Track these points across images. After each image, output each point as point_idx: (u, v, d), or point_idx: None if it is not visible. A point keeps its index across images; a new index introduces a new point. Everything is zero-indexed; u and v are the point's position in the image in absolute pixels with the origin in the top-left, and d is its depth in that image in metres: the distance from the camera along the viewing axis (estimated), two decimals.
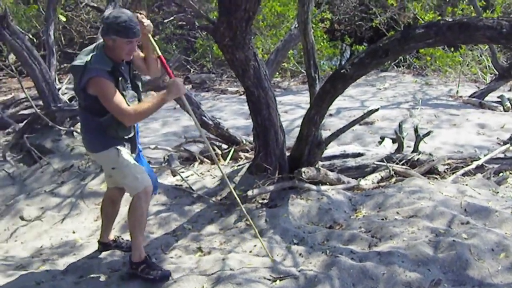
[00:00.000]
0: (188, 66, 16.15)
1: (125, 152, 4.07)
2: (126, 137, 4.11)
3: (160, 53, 4.18)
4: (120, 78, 3.92)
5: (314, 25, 13.50)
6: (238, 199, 4.53)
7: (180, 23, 16.51)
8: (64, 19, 13.51)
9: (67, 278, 4.28)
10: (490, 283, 3.81)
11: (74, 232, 5.35)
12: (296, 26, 7.04)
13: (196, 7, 6.45)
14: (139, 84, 4.20)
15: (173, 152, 7.51)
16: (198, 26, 6.64)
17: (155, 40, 4.19)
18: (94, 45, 4.03)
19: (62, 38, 16.73)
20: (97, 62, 3.81)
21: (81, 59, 3.86)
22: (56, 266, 4.57)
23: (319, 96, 5.22)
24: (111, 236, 4.73)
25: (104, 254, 4.67)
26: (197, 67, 16.41)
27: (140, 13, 4.11)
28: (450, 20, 4.27)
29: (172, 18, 11.98)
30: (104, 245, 4.70)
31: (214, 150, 6.97)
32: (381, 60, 4.73)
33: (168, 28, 16.76)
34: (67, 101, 8.75)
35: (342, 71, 4.85)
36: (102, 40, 3.97)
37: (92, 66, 3.78)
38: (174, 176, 6.57)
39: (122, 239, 4.76)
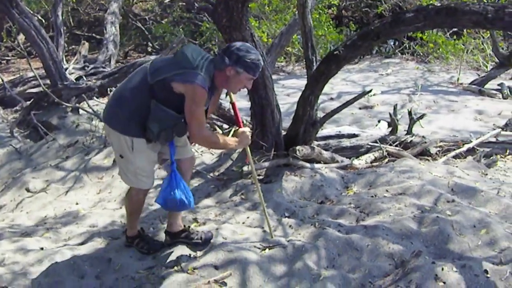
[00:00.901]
0: None
1: (142, 147, 3.87)
2: (148, 133, 3.80)
3: (234, 100, 4.15)
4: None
5: (321, 11, 13.65)
6: (255, 179, 4.54)
7: (184, 4, 16.69)
8: None
9: (69, 244, 4.51)
10: (469, 257, 3.99)
11: (77, 204, 5.58)
12: None
13: None
14: None
15: None
16: (198, 7, 6.77)
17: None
18: (198, 50, 3.84)
19: (71, 20, 16.93)
20: (206, 74, 3.64)
21: (193, 58, 3.66)
22: (59, 234, 4.79)
23: (313, 77, 5.42)
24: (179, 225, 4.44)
25: (105, 223, 4.90)
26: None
27: None
28: (439, 5, 4.47)
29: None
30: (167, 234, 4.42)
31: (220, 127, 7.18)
32: (372, 42, 4.93)
33: (175, 11, 16.93)
34: (73, 81, 8.98)
35: (335, 52, 5.04)
36: (206, 54, 3.80)
37: (202, 74, 3.61)
38: None
39: (193, 230, 4.42)
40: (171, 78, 3.64)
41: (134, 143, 3.83)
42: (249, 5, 4.82)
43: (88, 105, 7.36)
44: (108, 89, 10.31)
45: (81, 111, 7.98)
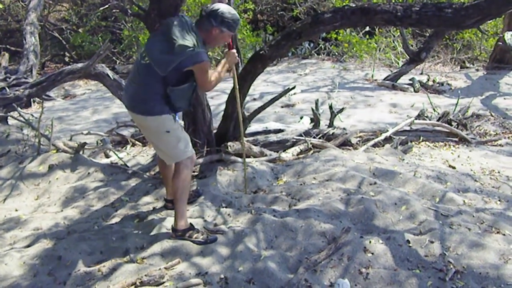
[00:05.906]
0: (114, 58, 16.41)
1: (177, 121, 4.49)
2: (180, 110, 4.49)
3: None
4: None
5: None
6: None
7: (103, 15, 16.75)
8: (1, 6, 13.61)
9: (16, 247, 4.62)
10: (393, 230, 4.44)
11: (16, 210, 5.63)
12: None
13: None
14: None
15: (105, 137, 7.85)
16: (131, 13, 7.00)
17: None
18: (183, 24, 4.21)
19: None
20: (202, 46, 4.17)
21: (187, 40, 4.09)
22: (3, 239, 4.82)
23: (241, 76, 5.73)
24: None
25: (48, 226, 5.00)
26: (123, 58, 16.66)
27: None
28: (354, 6, 4.90)
29: (106, 6, 12.12)
30: (167, 201, 5.09)
31: None
32: (295, 41, 5.31)
33: (92, 20, 16.92)
34: None
35: (261, 52, 5.40)
36: (185, 18, 4.27)
37: (201, 50, 4.13)
38: (107, 157, 6.96)
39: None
40: (181, 65, 4.12)
41: (174, 116, 4.43)
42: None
43: (20, 114, 7.38)
44: (32, 99, 10.33)
45: (10, 121, 7.97)
